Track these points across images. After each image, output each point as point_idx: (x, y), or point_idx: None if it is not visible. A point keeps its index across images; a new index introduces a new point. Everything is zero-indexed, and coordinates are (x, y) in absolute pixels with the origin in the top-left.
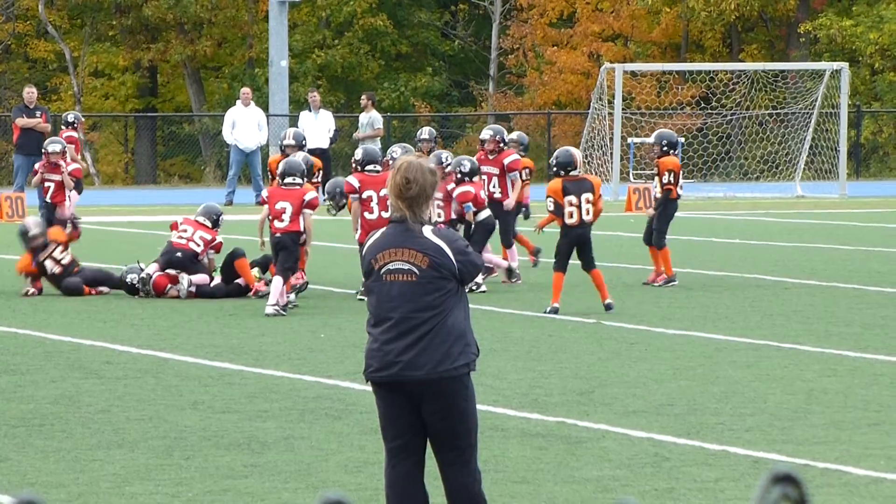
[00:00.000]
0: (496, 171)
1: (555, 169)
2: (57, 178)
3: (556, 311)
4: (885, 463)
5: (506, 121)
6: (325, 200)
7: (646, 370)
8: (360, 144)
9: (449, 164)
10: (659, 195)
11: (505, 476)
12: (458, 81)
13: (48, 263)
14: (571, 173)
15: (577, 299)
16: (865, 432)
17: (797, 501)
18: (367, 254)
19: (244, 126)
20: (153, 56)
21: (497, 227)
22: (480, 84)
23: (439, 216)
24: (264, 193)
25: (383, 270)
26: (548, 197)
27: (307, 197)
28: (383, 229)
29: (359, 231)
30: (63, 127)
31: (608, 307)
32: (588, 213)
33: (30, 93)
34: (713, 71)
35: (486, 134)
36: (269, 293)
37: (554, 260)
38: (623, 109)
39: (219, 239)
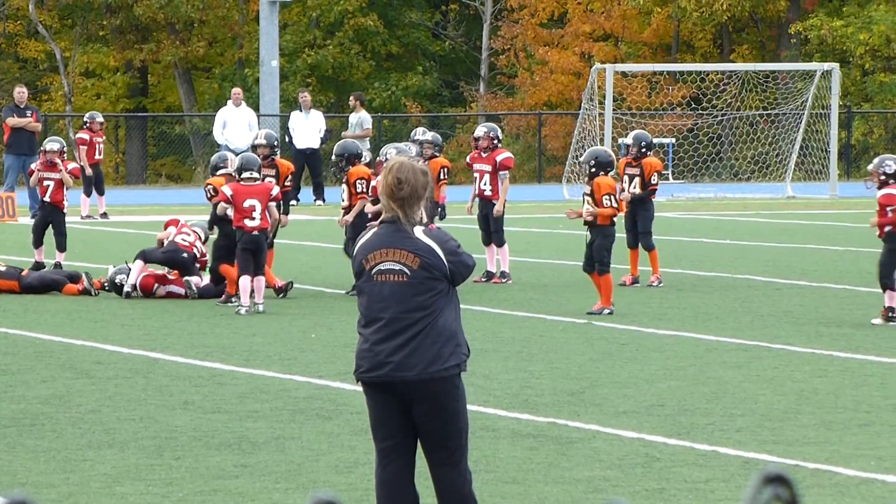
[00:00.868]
0: (489, 168)
1: (594, 170)
2: (56, 176)
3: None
4: (875, 464)
5: (496, 121)
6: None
7: (636, 370)
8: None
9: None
10: (635, 193)
11: (495, 476)
12: (449, 82)
13: None
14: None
15: (567, 300)
16: (856, 433)
17: (788, 502)
18: (359, 254)
19: (235, 126)
20: (144, 56)
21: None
22: (471, 84)
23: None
24: (226, 190)
25: (374, 271)
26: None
27: (273, 192)
28: (375, 229)
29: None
30: (83, 126)
31: (600, 311)
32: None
33: (20, 92)
34: (704, 71)
35: (479, 131)
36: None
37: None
38: (614, 110)
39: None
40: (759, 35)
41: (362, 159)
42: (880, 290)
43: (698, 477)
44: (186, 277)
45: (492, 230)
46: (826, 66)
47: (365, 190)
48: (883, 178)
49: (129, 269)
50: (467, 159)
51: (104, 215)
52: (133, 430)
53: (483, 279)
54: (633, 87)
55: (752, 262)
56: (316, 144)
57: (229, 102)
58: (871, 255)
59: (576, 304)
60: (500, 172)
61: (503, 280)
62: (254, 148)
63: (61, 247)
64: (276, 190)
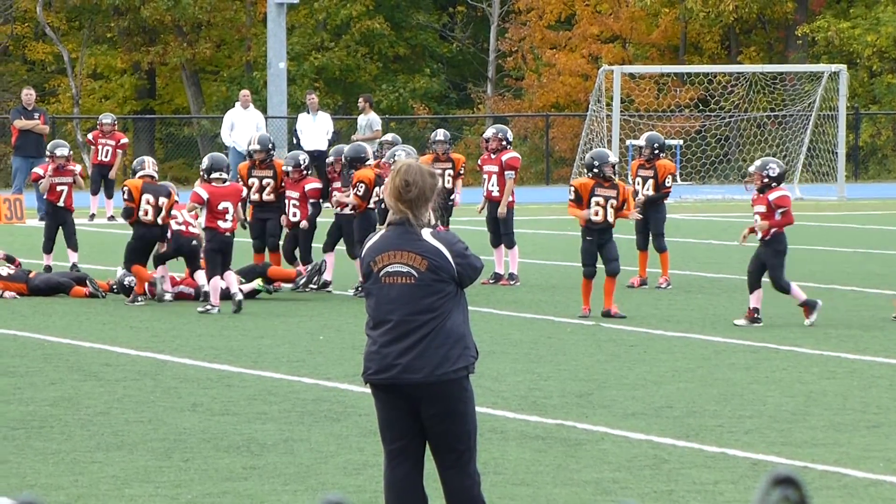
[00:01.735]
0: (496, 169)
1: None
2: (68, 180)
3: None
4: (884, 465)
5: (504, 123)
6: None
7: (645, 372)
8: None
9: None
10: (648, 195)
11: (504, 478)
12: (457, 83)
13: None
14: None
15: (575, 301)
16: (864, 435)
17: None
18: (367, 256)
19: (243, 128)
20: (152, 58)
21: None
22: (478, 86)
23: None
24: (202, 192)
25: (382, 273)
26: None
27: (243, 194)
28: (382, 231)
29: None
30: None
31: (607, 314)
32: (596, 215)
33: (28, 94)
34: (712, 73)
35: (489, 132)
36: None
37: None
38: (621, 112)
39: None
40: (766, 37)
41: (367, 162)
42: (888, 291)
43: (707, 479)
44: (159, 275)
45: (502, 232)
46: (834, 67)
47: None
48: (766, 180)
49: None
50: (479, 161)
51: (111, 218)
52: (142, 432)
53: (491, 281)
54: (641, 89)
55: None
56: (324, 146)
57: (237, 104)
58: (879, 256)
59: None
60: (506, 172)
61: (511, 282)
62: (250, 154)
63: (75, 246)
64: (244, 192)
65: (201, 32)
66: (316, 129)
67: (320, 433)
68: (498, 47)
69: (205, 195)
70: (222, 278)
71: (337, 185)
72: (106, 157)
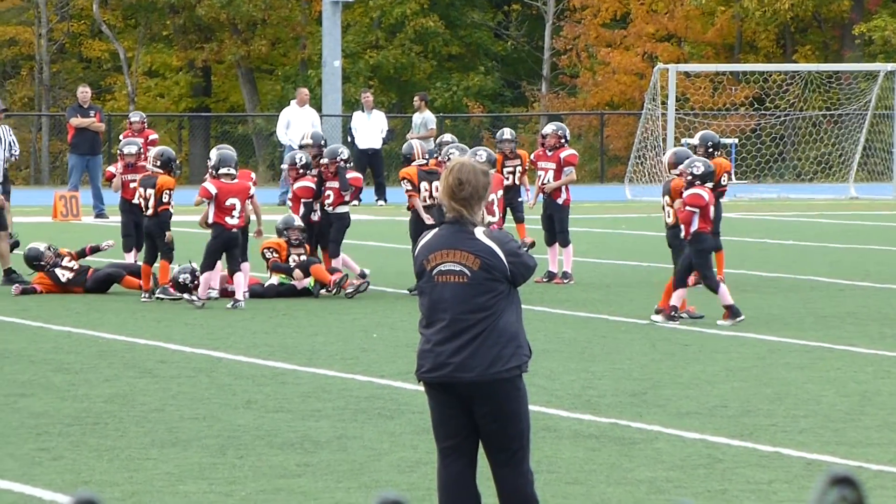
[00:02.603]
0: (553, 166)
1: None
2: (140, 177)
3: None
4: None
5: (558, 121)
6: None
7: (699, 371)
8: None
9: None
10: None
11: (557, 477)
12: (511, 81)
13: (58, 272)
14: (672, 173)
15: (629, 300)
16: None
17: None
18: (420, 254)
19: (299, 126)
20: (206, 56)
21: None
22: (533, 84)
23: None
24: (210, 188)
25: (435, 271)
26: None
27: (251, 191)
28: (436, 230)
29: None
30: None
31: (658, 312)
32: (668, 216)
33: (84, 92)
34: (767, 72)
35: (548, 129)
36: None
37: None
38: (676, 110)
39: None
40: (822, 35)
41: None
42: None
43: (761, 478)
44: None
45: (557, 230)
46: (889, 66)
47: (410, 189)
48: (690, 178)
49: (193, 269)
50: (531, 157)
51: None
52: (196, 429)
53: (545, 279)
54: (697, 88)
55: (815, 262)
56: (378, 145)
57: (293, 102)
58: None
59: (638, 304)
60: (565, 168)
61: (565, 280)
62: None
63: (140, 246)
64: (252, 189)
65: (256, 30)
66: (370, 128)
67: (374, 430)
68: (553, 45)
69: (213, 190)
70: (229, 278)
71: (333, 184)
72: None
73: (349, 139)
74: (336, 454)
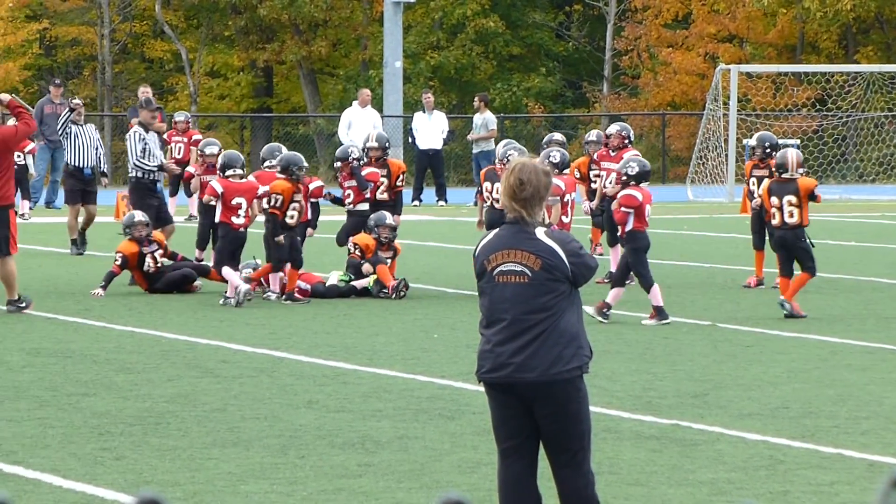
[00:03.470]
0: (616, 166)
1: (772, 169)
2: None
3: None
4: None
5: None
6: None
7: (760, 373)
8: (474, 145)
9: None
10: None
11: (619, 478)
12: (572, 82)
13: (148, 259)
14: (783, 175)
15: (691, 301)
16: None
17: None
18: (480, 255)
19: (360, 127)
20: (268, 56)
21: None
22: (594, 85)
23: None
24: (217, 186)
25: (496, 272)
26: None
27: (259, 191)
28: (496, 230)
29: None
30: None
31: (781, 304)
32: (791, 216)
33: (145, 93)
34: (829, 73)
35: (612, 129)
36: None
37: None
38: (738, 111)
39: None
40: (884, 36)
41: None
42: None
43: (823, 479)
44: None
45: (607, 229)
46: None
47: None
48: (625, 178)
49: (257, 265)
50: (594, 156)
51: (191, 217)
52: (258, 429)
53: (606, 280)
54: (758, 88)
55: (878, 263)
56: (438, 145)
57: (355, 103)
58: None
59: (699, 305)
60: None
61: (627, 281)
62: (366, 150)
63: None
64: (261, 189)
65: (318, 31)
66: (431, 128)
67: (434, 431)
68: (614, 46)
69: (220, 189)
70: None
71: (351, 183)
72: (179, 154)
73: (410, 140)
74: (397, 454)
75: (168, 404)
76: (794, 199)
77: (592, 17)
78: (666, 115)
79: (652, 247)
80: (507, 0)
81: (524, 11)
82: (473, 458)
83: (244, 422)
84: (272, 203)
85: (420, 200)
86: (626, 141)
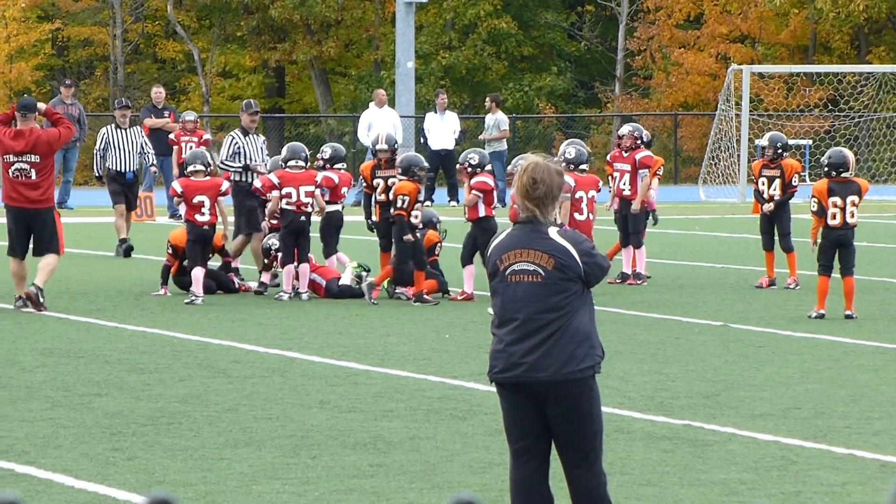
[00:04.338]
0: (628, 167)
1: (826, 169)
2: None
3: (821, 316)
4: None
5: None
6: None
7: (773, 373)
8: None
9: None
10: (775, 196)
11: (630, 479)
12: (584, 82)
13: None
14: (842, 174)
15: (703, 302)
16: None
17: None
18: (493, 254)
19: (380, 128)
20: (279, 56)
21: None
22: (606, 85)
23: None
24: (177, 186)
25: (508, 271)
26: (812, 197)
27: (222, 188)
28: (509, 230)
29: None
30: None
31: (847, 317)
32: (852, 217)
33: (158, 93)
34: (841, 73)
35: (624, 129)
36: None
37: (818, 264)
38: (750, 111)
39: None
40: None
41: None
42: None
43: (835, 480)
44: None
45: (630, 231)
46: None
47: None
48: (563, 163)
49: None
50: (608, 158)
51: None
52: (270, 429)
53: (618, 280)
54: (770, 89)
55: (890, 264)
56: (451, 145)
57: (371, 105)
58: None
59: (712, 306)
60: (640, 171)
61: (638, 282)
62: (374, 153)
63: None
64: (224, 185)
65: (329, 31)
66: (443, 129)
67: (446, 431)
68: (626, 46)
69: (179, 189)
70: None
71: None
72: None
73: (422, 140)
74: (408, 455)
75: (180, 404)
76: (856, 199)
77: (604, 18)
78: (678, 116)
79: (663, 246)
80: (519, 0)
81: (536, 12)
82: (485, 458)
83: (256, 422)
84: (399, 205)
85: (432, 200)
86: (639, 141)
